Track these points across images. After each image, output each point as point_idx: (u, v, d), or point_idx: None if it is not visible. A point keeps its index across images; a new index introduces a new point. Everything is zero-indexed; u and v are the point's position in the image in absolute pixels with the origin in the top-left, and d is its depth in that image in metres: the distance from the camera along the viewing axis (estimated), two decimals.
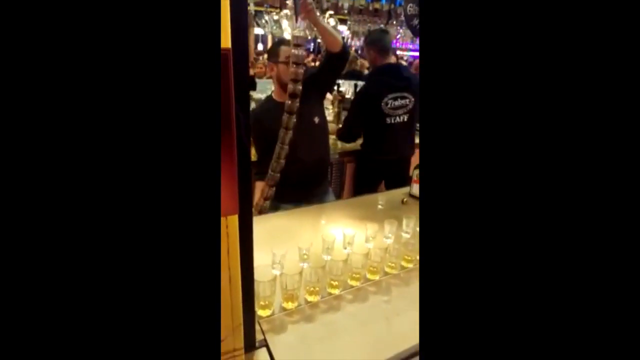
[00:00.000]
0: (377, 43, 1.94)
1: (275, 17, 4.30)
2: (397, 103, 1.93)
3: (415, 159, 2.16)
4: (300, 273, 0.83)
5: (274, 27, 4.33)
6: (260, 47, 7.21)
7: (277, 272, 0.86)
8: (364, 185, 2.11)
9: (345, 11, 4.18)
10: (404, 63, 4.74)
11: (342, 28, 4.73)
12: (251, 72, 3.52)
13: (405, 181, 1.87)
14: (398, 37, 4.67)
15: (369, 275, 0.95)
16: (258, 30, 5.17)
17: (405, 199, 1.47)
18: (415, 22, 2.71)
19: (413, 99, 1.95)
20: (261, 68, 3.63)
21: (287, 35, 4.08)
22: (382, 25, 3.79)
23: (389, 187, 2.06)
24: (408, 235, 1.03)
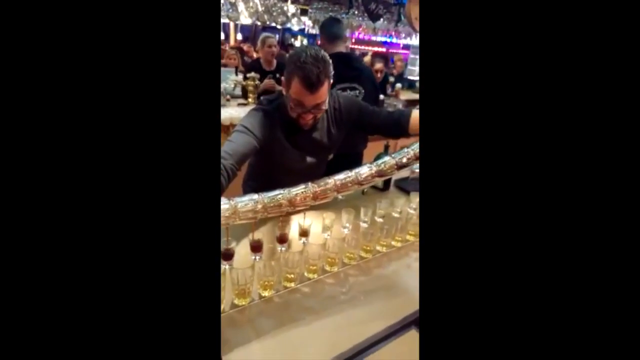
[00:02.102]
0: (327, 30, 1.87)
1: (232, 0, 4.05)
2: (346, 94, 1.90)
3: (367, 152, 2.12)
4: (252, 267, 0.78)
5: (230, 11, 4.10)
6: (239, 36, 6.94)
7: (226, 267, 0.80)
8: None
9: None
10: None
11: (304, 18, 4.66)
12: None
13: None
14: (360, 29, 4.67)
15: (327, 267, 0.91)
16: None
17: (366, 190, 1.45)
18: (372, 6, 2.69)
19: (364, 90, 1.89)
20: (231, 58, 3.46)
21: (245, 20, 3.90)
22: (344, 15, 3.77)
23: None
24: (366, 225, 1.01)
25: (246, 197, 0.72)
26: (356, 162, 2.07)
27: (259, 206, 0.71)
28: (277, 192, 0.75)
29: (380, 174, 0.84)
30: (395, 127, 1.21)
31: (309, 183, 0.79)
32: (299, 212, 1.11)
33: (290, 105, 1.03)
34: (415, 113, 1.21)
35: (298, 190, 0.77)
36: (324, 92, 1.00)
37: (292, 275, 0.85)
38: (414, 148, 0.87)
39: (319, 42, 2.29)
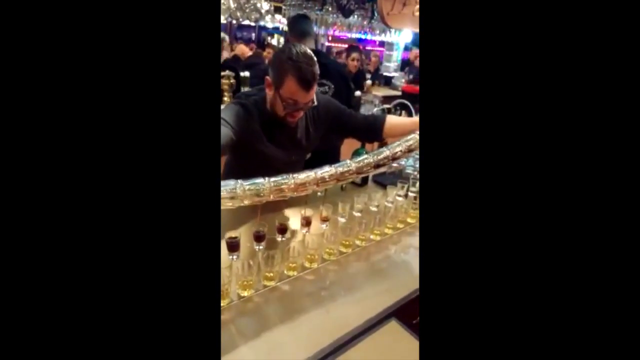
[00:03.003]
0: (296, 27, 1.88)
1: None
2: (320, 93, 1.90)
3: (345, 149, 2.11)
4: (230, 267, 0.77)
5: None
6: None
7: None
8: None
9: None
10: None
11: (278, 16, 4.62)
12: None
13: None
14: (335, 27, 4.67)
15: (306, 264, 0.91)
16: None
17: (344, 185, 1.46)
18: (344, 1, 2.70)
19: (333, 86, 1.90)
20: None
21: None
22: (318, 12, 3.76)
23: None
24: (344, 220, 1.02)
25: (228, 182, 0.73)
26: (334, 157, 2.08)
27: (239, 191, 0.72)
28: (280, 177, 0.79)
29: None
30: (370, 132, 1.24)
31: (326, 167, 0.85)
32: (278, 207, 1.11)
33: (283, 104, 1.02)
34: (390, 119, 1.24)
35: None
36: (315, 89, 1.03)
37: (272, 274, 0.84)
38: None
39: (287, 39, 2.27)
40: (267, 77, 1.03)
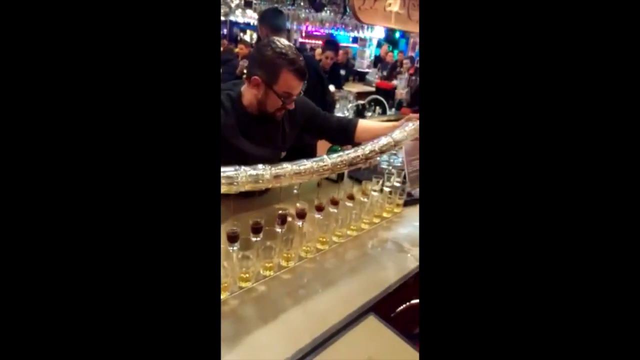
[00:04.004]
0: (269, 21, 1.87)
1: None
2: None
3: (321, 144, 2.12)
4: None
5: None
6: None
7: None
8: None
9: None
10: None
11: (250, 11, 4.53)
12: None
13: None
14: (308, 22, 4.64)
15: (283, 263, 0.90)
16: None
17: (320, 182, 1.45)
18: None
19: (306, 82, 1.93)
20: None
21: None
22: (289, 7, 3.71)
23: None
24: (320, 216, 1.01)
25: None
26: (311, 152, 2.07)
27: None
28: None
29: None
30: (342, 134, 1.28)
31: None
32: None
33: (280, 99, 1.03)
34: (362, 123, 1.28)
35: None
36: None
37: (248, 275, 0.82)
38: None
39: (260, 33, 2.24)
40: (256, 77, 1.01)
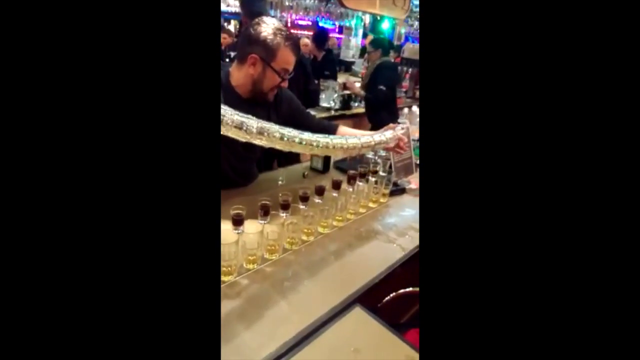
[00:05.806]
0: (248, 7, 1.86)
1: None
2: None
3: None
4: None
5: None
6: None
7: None
8: (258, 165, 2.04)
9: None
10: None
11: (232, 1, 4.40)
12: None
13: (296, 158, 1.86)
14: (291, 11, 4.55)
15: (266, 255, 0.87)
16: None
17: (306, 173, 1.43)
18: None
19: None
20: None
21: None
22: None
23: (281, 164, 2.01)
24: (305, 207, 0.98)
25: None
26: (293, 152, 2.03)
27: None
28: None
29: None
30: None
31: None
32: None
33: (279, 75, 1.05)
34: (341, 129, 1.29)
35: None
36: None
37: (230, 268, 0.79)
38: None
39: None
40: (253, 55, 1.02)
